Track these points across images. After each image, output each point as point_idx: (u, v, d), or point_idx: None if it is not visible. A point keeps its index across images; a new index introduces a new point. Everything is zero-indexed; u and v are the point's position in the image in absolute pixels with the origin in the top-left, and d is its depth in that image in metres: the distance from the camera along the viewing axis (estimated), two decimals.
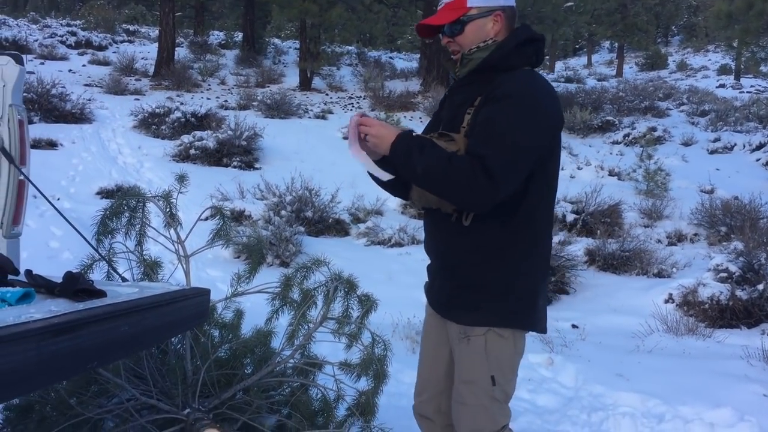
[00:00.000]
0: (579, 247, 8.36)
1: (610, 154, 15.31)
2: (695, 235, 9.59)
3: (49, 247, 7.04)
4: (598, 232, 9.10)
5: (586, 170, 13.08)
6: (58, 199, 8.69)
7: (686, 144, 16.30)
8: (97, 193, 9.43)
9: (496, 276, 2.32)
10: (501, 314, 2.33)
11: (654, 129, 17.07)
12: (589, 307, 6.90)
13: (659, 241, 9.32)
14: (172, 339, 3.45)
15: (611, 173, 13.01)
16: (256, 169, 12.04)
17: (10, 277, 2.03)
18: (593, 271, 8.09)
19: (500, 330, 2.34)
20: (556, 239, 8.04)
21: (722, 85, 31.50)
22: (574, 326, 6.30)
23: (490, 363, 2.35)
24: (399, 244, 8.89)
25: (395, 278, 7.45)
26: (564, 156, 14.27)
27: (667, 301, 6.74)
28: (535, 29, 2.42)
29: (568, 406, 4.31)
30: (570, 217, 9.49)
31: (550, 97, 2.28)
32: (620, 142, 16.36)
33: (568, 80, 27.32)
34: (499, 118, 2.16)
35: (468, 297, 2.37)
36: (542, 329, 2.45)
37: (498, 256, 2.31)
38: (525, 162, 2.17)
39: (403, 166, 2.21)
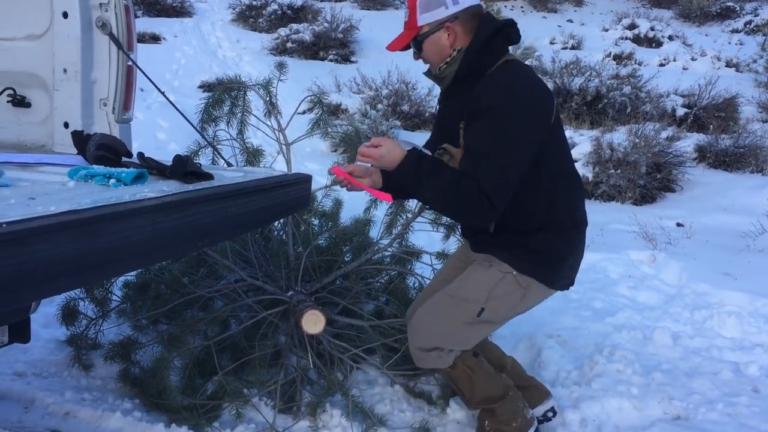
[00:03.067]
0: (688, 143, 7.92)
1: (729, 43, 14.23)
2: None
3: (157, 138, 7.32)
4: (711, 127, 8.59)
5: (701, 61, 12.24)
6: (164, 92, 8.95)
7: None
8: (199, 87, 9.64)
9: (525, 244, 2.39)
10: (529, 264, 2.40)
11: None
12: (697, 206, 6.60)
13: None
14: (275, 225, 3.57)
15: (728, 64, 12.13)
16: (352, 62, 11.95)
17: (124, 159, 2.12)
18: (702, 169, 7.70)
19: (522, 278, 2.40)
20: (663, 134, 7.65)
21: None
22: (678, 224, 6.08)
23: (490, 297, 2.42)
24: None
25: None
26: (677, 46, 13.39)
27: None
28: None
29: (670, 304, 4.22)
30: (680, 112, 8.97)
31: (530, 92, 2.27)
32: (740, 31, 15.15)
33: None
34: (484, 138, 2.21)
35: (503, 247, 2.43)
36: (561, 288, 2.54)
37: (524, 232, 2.38)
38: (516, 172, 2.22)
39: (411, 188, 2.29)
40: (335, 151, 7.65)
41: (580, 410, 2.93)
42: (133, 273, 3.36)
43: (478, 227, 2.47)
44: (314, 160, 7.40)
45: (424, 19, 2.32)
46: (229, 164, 2.88)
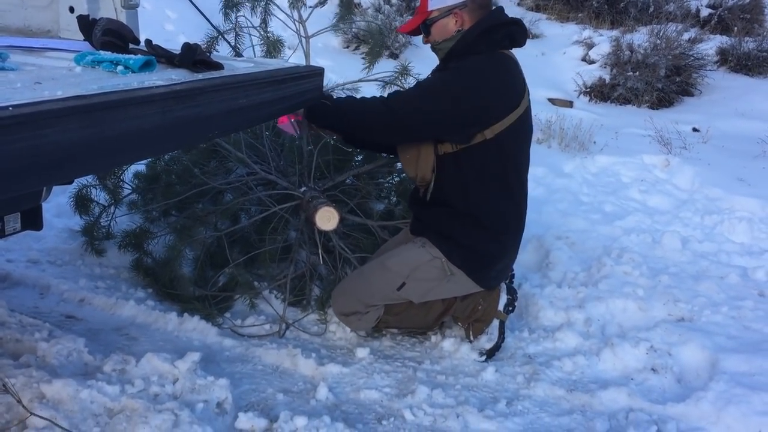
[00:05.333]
0: (711, 45, 7.69)
1: None
2: None
3: (165, 30, 7.14)
4: (735, 29, 8.29)
5: None
6: None
7: None
8: None
9: (452, 236, 2.50)
10: (459, 257, 2.50)
11: None
12: (715, 111, 6.47)
13: None
14: None
15: None
16: None
17: (131, 46, 2.05)
18: (723, 72, 7.49)
19: (450, 266, 2.50)
20: (686, 36, 7.42)
21: None
22: (695, 129, 5.99)
23: (414, 273, 2.52)
24: None
25: None
26: None
27: None
28: None
29: (681, 208, 4.21)
30: (704, 12, 8.66)
31: (494, 82, 2.34)
32: None
33: None
34: (425, 81, 2.42)
35: (439, 236, 2.54)
36: (488, 287, 2.62)
37: (453, 214, 2.49)
38: (424, 113, 2.31)
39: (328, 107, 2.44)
40: (347, 47, 7.47)
41: (586, 310, 2.97)
42: (144, 163, 3.36)
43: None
44: (326, 56, 7.23)
45: (434, 4, 2.41)
46: (239, 54, 2.81)
